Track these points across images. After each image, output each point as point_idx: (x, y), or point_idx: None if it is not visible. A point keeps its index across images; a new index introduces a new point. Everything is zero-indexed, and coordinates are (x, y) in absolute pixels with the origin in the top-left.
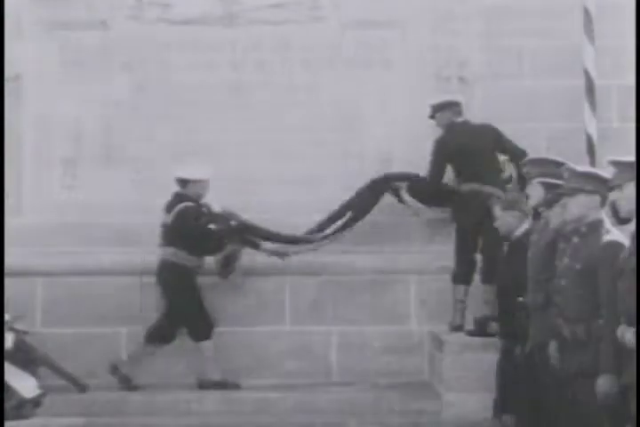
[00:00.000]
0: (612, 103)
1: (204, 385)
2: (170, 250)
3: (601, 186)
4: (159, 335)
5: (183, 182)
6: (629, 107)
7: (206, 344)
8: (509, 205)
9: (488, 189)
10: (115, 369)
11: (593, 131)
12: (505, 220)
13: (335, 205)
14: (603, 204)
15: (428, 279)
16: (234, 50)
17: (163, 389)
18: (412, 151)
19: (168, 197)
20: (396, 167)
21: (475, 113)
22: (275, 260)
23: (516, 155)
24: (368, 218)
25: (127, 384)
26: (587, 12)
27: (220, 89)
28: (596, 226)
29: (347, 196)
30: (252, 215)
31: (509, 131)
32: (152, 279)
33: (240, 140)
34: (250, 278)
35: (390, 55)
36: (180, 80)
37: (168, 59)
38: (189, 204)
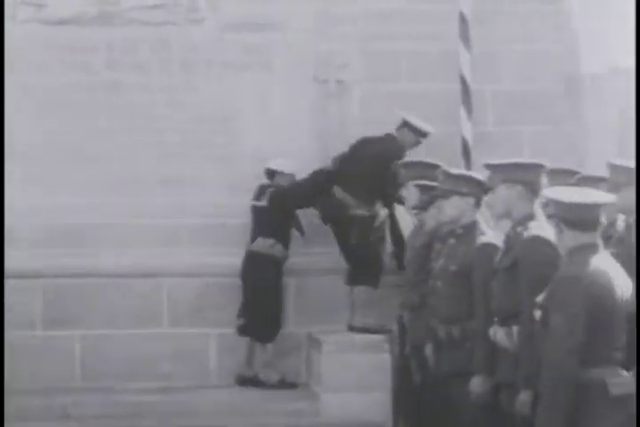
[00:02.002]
0: (487, 107)
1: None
2: (260, 241)
3: (475, 188)
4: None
5: (271, 174)
6: (504, 111)
7: (269, 346)
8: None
9: None
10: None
11: (468, 134)
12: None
13: (219, 207)
14: (477, 205)
15: (306, 281)
16: (111, 50)
17: (40, 393)
18: (292, 153)
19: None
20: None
21: (353, 116)
22: (156, 261)
23: None
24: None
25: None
26: (463, 18)
27: (98, 90)
28: (471, 228)
29: (230, 197)
30: (137, 217)
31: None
32: None
33: (119, 142)
34: (129, 280)
35: (270, 57)
36: (58, 81)
37: (44, 59)
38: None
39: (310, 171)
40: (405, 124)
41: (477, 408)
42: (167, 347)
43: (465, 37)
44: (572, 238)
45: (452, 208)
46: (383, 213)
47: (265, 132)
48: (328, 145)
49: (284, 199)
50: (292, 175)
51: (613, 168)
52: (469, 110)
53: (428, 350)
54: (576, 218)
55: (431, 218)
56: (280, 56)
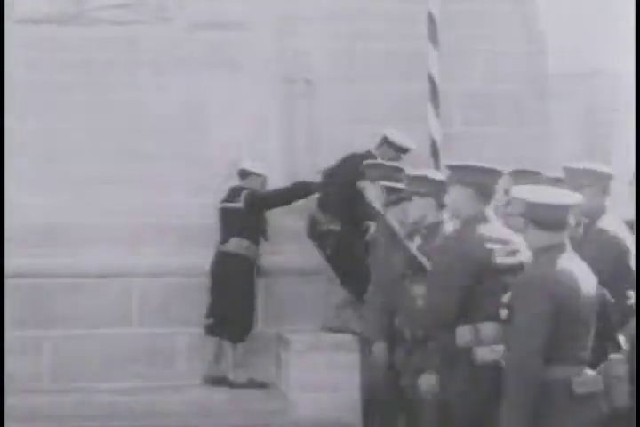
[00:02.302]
0: (455, 107)
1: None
2: (235, 242)
3: (432, 188)
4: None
5: (244, 175)
6: (472, 110)
7: (239, 346)
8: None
9: None
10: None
11: (437, 134)
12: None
13: (184, 208)
14: (439, 205)
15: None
16: (78, 50)
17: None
18: (258, 153)
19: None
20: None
21: (321, 115)
22: (122, 261)
23: None
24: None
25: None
26: (431, 18)
27: (66, 89)
28: (436, 227)
29: (196, 197)
30: (103, 217)
31: (355, 132)
32: None
33: (87, 141)
34: (96, 280)
35: (238, 57)
36: (27, 79)
37: (14, 58)
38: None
39: (278, 171)
40: (385, 141)
41: (428, 405)
42: (136, 347)
43: (433, 37)
44: (539, 238)
45: (415, 209)
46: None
47: (232, 133)
48: (296, 145)
49: (262, 203)
50: (264, 177)
51: (569, 171)
52: (437, 110)
53: (379, 348)
54: (544, 218)
55: (395, 218)
56: (248, 55)
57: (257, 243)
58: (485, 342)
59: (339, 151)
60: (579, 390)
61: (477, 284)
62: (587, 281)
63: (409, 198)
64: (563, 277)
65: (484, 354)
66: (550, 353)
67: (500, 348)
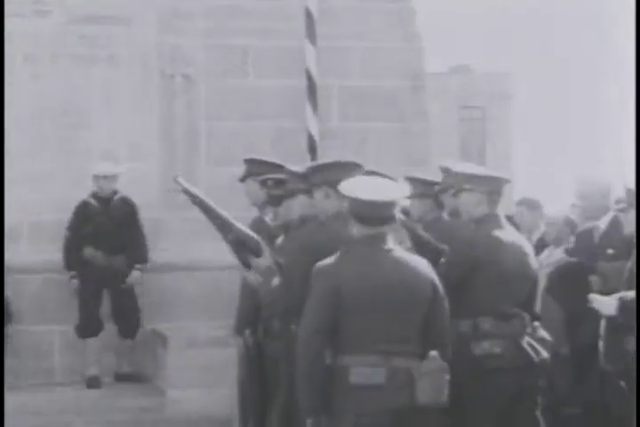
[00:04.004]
0: (333, 103)
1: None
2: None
3: (300, 184)
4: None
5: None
6: (350, 107)
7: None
8: None
9: None
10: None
11: (314, 130)
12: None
13: (64, 204)
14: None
15: (154, 277)
16: None
17: None
18: (135, 148)
19: None
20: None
21: (199, 111)
22: None
23: None
24: None
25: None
26: (309, 14)
27: None
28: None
29: (73, 193)
30: None
31: (234, 128)
32: None
33: None
34: None
35: (116, 51)
36: None
37: None
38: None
39: (157, 168)
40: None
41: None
42: (12, 344)
43: (311, 33)
44: (359, 231)
45: (299, 206)
46: None
47: (110, 128)
48: (175, 140)
49: None
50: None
51: (445, 170)
52: (315, 106)
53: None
54: (361, 212)
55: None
56: (126, 50)
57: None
58: None
59: (217, 146)
60: (354, 379)
61: None
62: (373, 273)
63: (290, 195)
64: (337, 268)
65: None
66: (338, 341)
67: None
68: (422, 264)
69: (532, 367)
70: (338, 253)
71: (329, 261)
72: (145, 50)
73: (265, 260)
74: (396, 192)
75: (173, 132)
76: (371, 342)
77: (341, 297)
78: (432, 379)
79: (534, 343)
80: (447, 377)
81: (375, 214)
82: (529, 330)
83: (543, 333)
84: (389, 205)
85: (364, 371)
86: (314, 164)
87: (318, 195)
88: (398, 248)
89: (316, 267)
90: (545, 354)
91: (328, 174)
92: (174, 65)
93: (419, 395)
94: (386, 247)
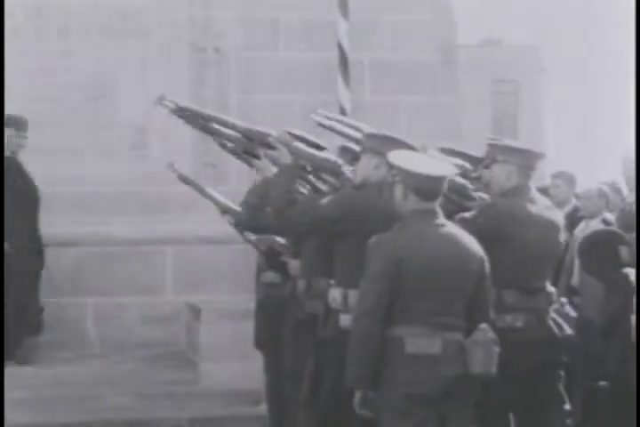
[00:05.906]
0: (365, 76)
1: None
2: None
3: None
4: None
5: None
6: (381, 80)
7: None
8: None
9: None
10: None
11: (346, 103)
12: None
13: (95, 176)
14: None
15: (186, 249)
16: None
17: None
18: (167, 122)
19: None
20: (151, 138)
21: (230, 84)
22: None
23: None
24: (126, 188)
25: None
26: None
27: None
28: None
29: (105, 166)
30: None
31: (265, 102)
32: None
33: None
34: None
35: (146, 25)
36: None
37: None
38: None
39: (187, 140)
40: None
41: None
42: (46, 317)
43: (343, 6)
44: (411, 203)
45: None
46: None
47: (141, 101)
48: None
49: None
50: None
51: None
52: (347, 79)
53: None
54: (420, 186)
55: None
56: (156, 22)
57: None
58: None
59: (248, 119)
60: (409, 349)
61: None
62: (444, 249)
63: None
64: (405, 241)
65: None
66: (392, 313)
67: None
68: (472, 240)
69: (554, 343)
70: (394, 227)
71: (388, 234)
72: (176, 23)
73: None
74: (447, 168)
75: (204, 105)
76: (423, 314)
77: (401, 269)
78: (484, 349)
79: (559, 319)
80: (497, 349)
81: (432, 189)
82: (556, 306)
83: (569, 309)
84: (442, 179)
85: (419, 341)
86: (371, 131)
87: (367, 161)
88: (449, 223)
89: (374, 239)
90: (569, 331)
91: (381, 145)
92: (205, 38)
93: (471, 364)
94: (439, 222)
